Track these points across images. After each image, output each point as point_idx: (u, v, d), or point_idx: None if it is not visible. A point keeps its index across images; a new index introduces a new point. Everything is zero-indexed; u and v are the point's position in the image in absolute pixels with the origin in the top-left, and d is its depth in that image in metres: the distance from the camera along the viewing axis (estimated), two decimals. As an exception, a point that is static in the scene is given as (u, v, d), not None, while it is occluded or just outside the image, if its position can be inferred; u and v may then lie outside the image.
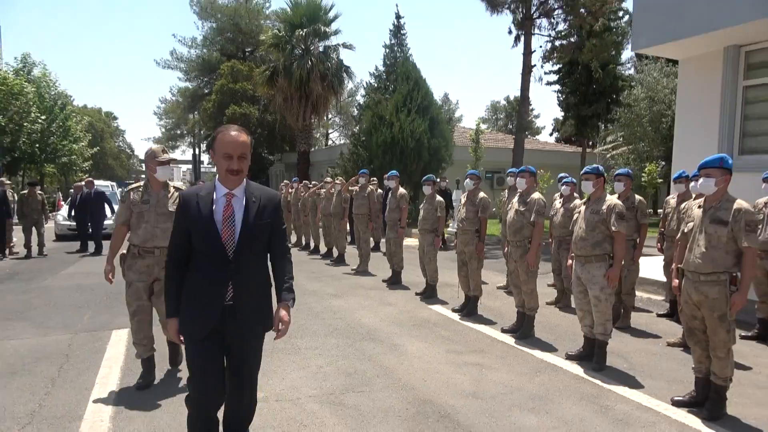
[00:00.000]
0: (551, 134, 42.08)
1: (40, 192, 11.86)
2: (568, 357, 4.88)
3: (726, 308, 3.52)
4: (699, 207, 3.80)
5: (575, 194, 6.98)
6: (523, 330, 5.59)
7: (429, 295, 7.50)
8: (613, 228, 4.51)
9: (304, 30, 23.32)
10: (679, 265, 3.89)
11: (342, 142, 36.35)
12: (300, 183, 14.00)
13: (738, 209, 3.54)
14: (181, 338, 2.56)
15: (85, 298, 7.18)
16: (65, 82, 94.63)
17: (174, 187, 4.23)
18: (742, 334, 5.62)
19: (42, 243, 11.46)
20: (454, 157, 19.10)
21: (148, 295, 4.05)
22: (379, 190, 11.47)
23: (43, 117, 23.83)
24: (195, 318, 2.51)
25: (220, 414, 2.72)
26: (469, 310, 6.53)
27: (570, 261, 4.90)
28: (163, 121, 54.29)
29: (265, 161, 32.14)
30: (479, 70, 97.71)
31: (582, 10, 14.32)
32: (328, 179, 12.35)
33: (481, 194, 6.55)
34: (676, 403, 3.83)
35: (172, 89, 50.79)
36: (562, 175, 7.24)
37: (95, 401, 3.81)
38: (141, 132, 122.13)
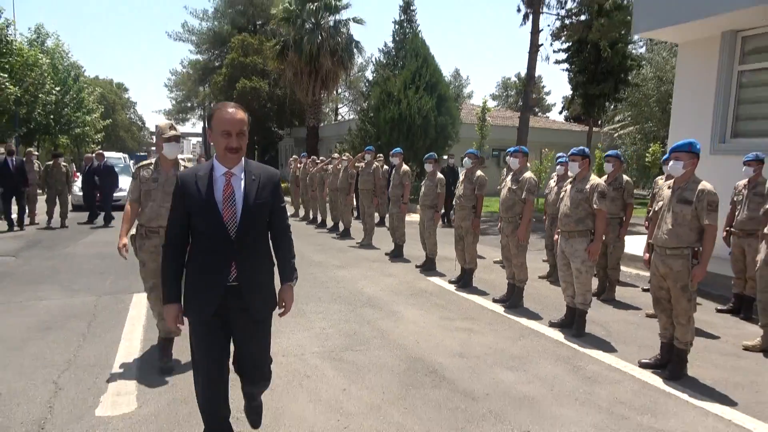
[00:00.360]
0: (560, 112, 41.88)
1: (64, 164, 12.22)
2: (551, 324, 5.31)
3: (688, 279, 3.90)
4: (668, 188, 4.14)
5: (570, 173, 7.27)
6: (513, 300, 6.01)
7: (428, 267, 7.93)
8: (595, 206, 4.86)
9: (315, 4, 23.40)
10: (649, 241, 4.27)
11: (351, 117, 36.50)
12: (308, 158, 14.36)
13: (702, 190, 3.86)
14: (178, 326, 2.54)
15: (106, 265, 7.68)
16: (77, 53, 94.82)
17: (185, 166, 4.15)
18: (719, 307, 6.02)
19: (65, 213, 11.85)
20: (461, 135, 19.35)
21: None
22: (385, 167, 11.82)
23: (57, 89, 24.22)
24: (200, 298, 2.48)
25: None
26: (464, 281, 6.95)
27: (556, 236, 5.28)
28: (174, 93, 54.49)
29: (275, 135, 32.44)
30: (490, 46, 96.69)
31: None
32: (335, 155, 12.71)
33: (479, 172, 6.90)
34: (643, 365, 4.25)
35: (183, 61, 50.84)
36: (559, 155, 7.55)
37: (122, 353, 4.29)
38: (152, 104, 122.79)
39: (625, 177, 6.54)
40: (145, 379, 3.79)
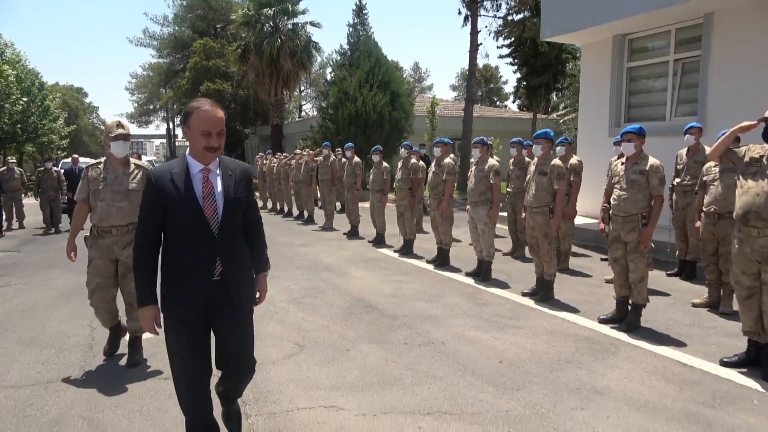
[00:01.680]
0: (513, 101, 44.01)
1: (56, 169, 12.52)
2: (467, 274, 6.86)
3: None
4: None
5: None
6: (441, 260, 7.51)
7: (378, 241, 9.42)
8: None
9: (273, 9, 24.54)
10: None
11: (314, 114, 37.71)
12: (273, 155, 15.70)
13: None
14: (156, 327, 2.49)
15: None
16: (34, 60, 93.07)
17: (135, 164, 4.14)
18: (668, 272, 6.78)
19: (58, 219, 12.17)
20: (416, 127, 20.90)
21: (112, 273, 4.06)
22: (343, 159, 13.21)
23: (24, 99, 24.81)
24: (185, 297, 2.45)
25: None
26: (405, 250, 8.47)
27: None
28: (135, 96, 54.70)
29: (240, 134, 33.47)
30: (448, 40, 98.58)
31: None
32: (297, 151, 14.09)
33: (413, 160, 8.40)
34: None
35: (143, 65, 51.20)
36: (513, 140, 8.25)
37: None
38: (115, 108, 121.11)
39: (576, 158, 7.40)
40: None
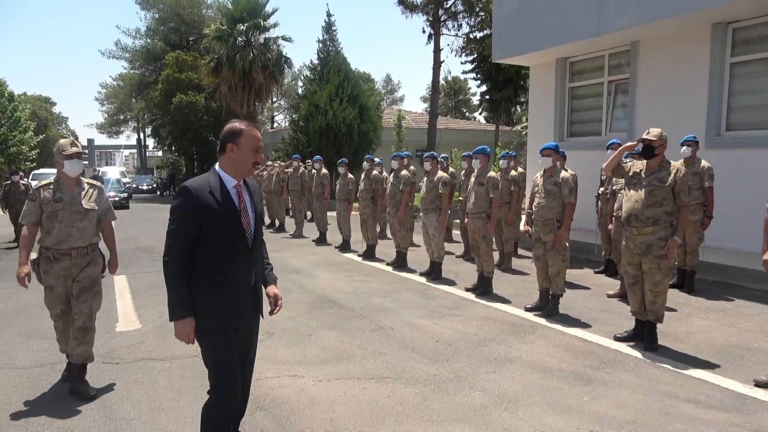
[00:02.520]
0: (480, 114, 45.52)
1: (23, 182, 12.43)
2: (420, 274, 7.67)
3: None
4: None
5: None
6: (399, 262, 8.32)
7: (344, 247, 10.18)
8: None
9: (245, 24, 25.19)
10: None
11: (287, 125, 38.35)
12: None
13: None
14: (189, 337, 2.51)
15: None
16: (1, 70, 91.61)
17: (88, 183, 4.03)
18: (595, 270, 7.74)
19: None
20: (384, 139, 21.78)
21: (70, 296, 3.90)
22: (312, 170, 13.95)
23: (-6, 111, 24.92)
24: (230, 307, 2.56)
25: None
26: (368, 254, 9.25)
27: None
28: (105, 106, 54.43)
29: (213, 146, 33.85)
30: (419, 53, 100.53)
31: (481, 13, 17.12)
32: (269, 162, 14.79)
33: (375, 172, 9.21)
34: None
35: (114, 75, 51.23)
36: (464, 154, 9.08)
37: (120, 304, 6.29)
38: (84, 118, 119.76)
39: (520, 169, 8.40)
40: (143, 312, 5.83)
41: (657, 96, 9.00)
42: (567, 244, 5.57)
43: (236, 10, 25.41)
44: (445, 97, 63.61)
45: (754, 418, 3.31)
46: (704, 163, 6.40)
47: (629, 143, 4.65)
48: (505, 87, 22.82)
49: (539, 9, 10.11)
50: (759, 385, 3.78)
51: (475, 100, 64.28)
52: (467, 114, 60.23)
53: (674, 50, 8.68)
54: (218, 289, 2.54)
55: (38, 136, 36.37)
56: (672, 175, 4.37)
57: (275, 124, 48.90)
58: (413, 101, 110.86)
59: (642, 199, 4.42)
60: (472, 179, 6.71)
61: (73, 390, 3.83)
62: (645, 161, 4.53)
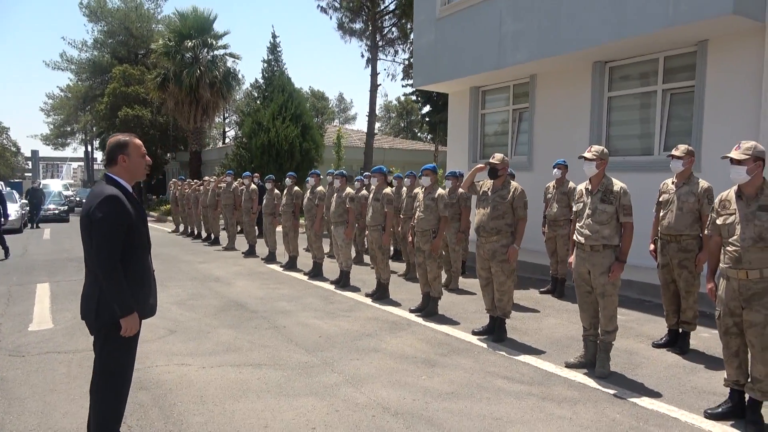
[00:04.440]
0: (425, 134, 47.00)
1: None
2: (331, 282, 8.33)
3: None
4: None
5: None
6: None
7: (269, 259, 10.76)
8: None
9: (193, 41, 25.60)
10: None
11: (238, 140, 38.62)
12: (184, 181, 16.74)
13: (439, 194, 6.09)
14: (137, 328, 2.88)
15: (9, 269, 9.74)
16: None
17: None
18: (541, 290, 7.88)
19: None
20: (326, 157, 22.48)
21: None
22: (252, 186, 14.53)
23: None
24: (152, 300, 3.03)
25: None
26: (289, 265, 9.87)
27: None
28: (51, 117, 53.19)
29: (160, 160, 33.78)
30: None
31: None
32: (206, 178, 15.24)
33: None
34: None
35: (61, 86, 50.26)
36: (408, 173, 9.65)
37: (37, 307, 6.69)
38: (27, 129, 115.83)
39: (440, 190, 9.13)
40: (59, 314, 6.27)
41: (550, 124, 10.05)
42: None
43: (184, 27, 25.80)
44: (397, 117, 65.17)
45: (548, 389, 4.12)
46: (571, 184, 7.35)
47: (479, 165, 5.50)
48: (444, 110, 23.93)
49: (452, 41, 11.09)
50: (569, 366, 4.61)
51: (427, 120, 66.18)
52: (419, 134, 61.81)
53: (564, 84, 9.76)
54: (137, 285, 2.86)
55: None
56: (511, 193, 5.22)
57: (226, 140, 48.93)
58: (365, 120, 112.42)
59: (488, 213, 5.25)
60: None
61: None
62: (491, 181, 5.37)
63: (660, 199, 5.21)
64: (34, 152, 62.52)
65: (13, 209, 17.79)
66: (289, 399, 3.93)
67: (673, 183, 5.13)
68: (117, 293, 2.75)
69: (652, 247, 5.30)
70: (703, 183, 4.97)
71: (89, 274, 2.90)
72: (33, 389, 4.13)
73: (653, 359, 4.84)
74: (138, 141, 3.03)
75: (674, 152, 5.05)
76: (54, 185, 32.63)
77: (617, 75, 9.14)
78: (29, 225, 19.72)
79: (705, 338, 5.43)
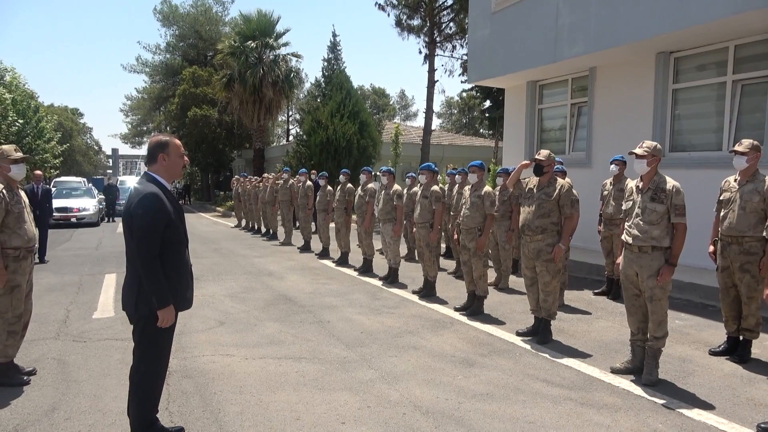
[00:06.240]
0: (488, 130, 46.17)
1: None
2: (380, 278, 8.38)
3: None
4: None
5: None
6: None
7: (322, 255, 10.95)
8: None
9: (256, 42, 26.39)
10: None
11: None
12: (246, 178, 17.32)
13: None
14: (173, 320, 3.02)
15: (84, 260, 10.43)
16: (32, 82, 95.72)
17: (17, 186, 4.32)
18: (596, 291, 7.44)
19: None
20: (384, 153, 22.60)
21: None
22: (308, 183, 14.85)
23: (20, 121, 26.39)
24: (189, 294, 3.14)
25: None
26: (341, 260, 10.00)
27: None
28: (130, 118, 56.42)
29: (226, 157, 35.13)
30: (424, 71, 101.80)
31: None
32: (265, 174, 15.70)
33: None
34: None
35: (138, 88, 53.29)
36: (451, 170, 9.79)
37: (102, 298, 7.13)
38: (108, 129, 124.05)
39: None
40: (119, 304, 6.66)
41: (610, 118, 9.64)
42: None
43: (248, 29, 26.64)
44: (459, 113, 64.47)
45: (589, 395, 3.96)
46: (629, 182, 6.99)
47: (525, 161, 5.35)
48: (504, 105, 23.46)
49: (507, 35, 10.86)
50: (614, 371, 4.42)
51: (489, 116, 65.08)
52: (481, 130, 60.89)
53: (625, 77, 9.34)
54: (180, 279, 3.03)
55: (62, 146, 38.13)
56: (557, 191, 5.05)
57: (290, 137, 50.17)
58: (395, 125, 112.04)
59: (533, 211, 5.10)
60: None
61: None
62: (537, 178, 5.22)
63: (721, 198, 4.89)
64: (114, 150, 66.57)
65: (92, 204, 19.05)
66: (323, 393, 3.99)
67: (735, 180, 4.80)
68: (155, 286, 2.89)
69: (711, 248, 4.99)
70: (770, 180, 4.61)
71: (130, 268, 3.06)
72: (89, 373, 4.41)
73: (708, 368, 4.56)
74: (177, 141, 3.14)
75: (737, 147, 4.71)
76: (131, 182, 34.57)
77: (683, 66, 8.66)
78: (106, 219, 21.00)
79: (771, 347, 5.05)
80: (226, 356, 4.82)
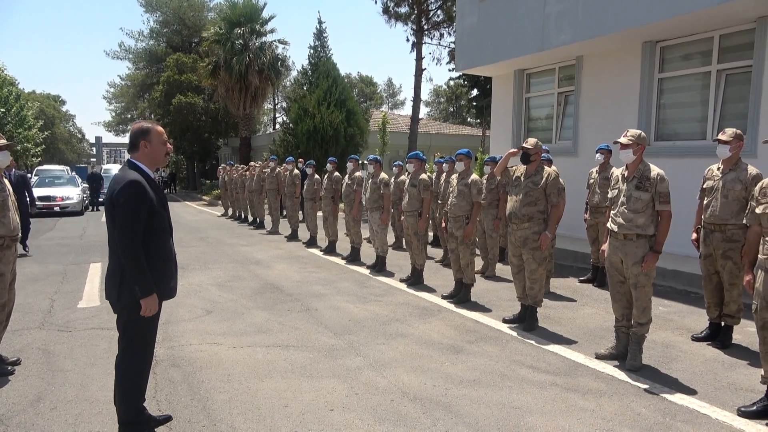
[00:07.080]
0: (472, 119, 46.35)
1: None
2: (367, 267, 8.39)
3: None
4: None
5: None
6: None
7: (310, 243, 10.93)
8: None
9: (242, 28, 26.07)
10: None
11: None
12: (233, 166, 17.17)
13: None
14: (156, 308, 2.97)
15: (68, 249, 10.31)
16: (12, 68, 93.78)
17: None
18: (581, 278, 9.13)
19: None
20: (371, 142, 22.53)
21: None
22: (295, 171, 14.76)
23: (1, 109, 25.89)
24: (173, 283, 3.13)
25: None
26: (328, 249, 9.99)
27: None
28: (113, 105, 55.60)
29: (212, 145, 34.80)
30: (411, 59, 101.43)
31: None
32: (252, 163, 15.58)
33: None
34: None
35: (121, 75, 52.49)
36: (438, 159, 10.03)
37: (87, 287, 7.07)
38: (91, 116, 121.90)
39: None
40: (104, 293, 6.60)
41: (596, 107, 9.67)
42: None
43: (234, 15, 26.31)
44: (446, 101, 64.38)
45: (574, 380, 4.02)
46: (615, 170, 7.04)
47: (512, 150, 5.37)
48: (491, 93, 23.47)
49: (495, 24, 10.82)
50: (599, 357, 4.48)
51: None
52: (468, 119, 60.93)
53: (611, 66, 9.36)
54: (164, 268, 3.01)
55: (44, 133, 37.49)
56: (544, 179, 5.08)
57: (276, 126, 49.81)
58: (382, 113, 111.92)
59: (520, 200, 5.13)
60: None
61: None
62: (524, 166, 5.24)
63: (704, 186, 4.95)
64: (98, 138, 65.66)
65: (75, 193, 18.79)
66: (311, 380, 4.00)
67: (718, 169, 4.86)
68: (138, 275, 2.86)
69: (694, 236, 5.06)
70: (752, 169, 4.68)
71: (113, 257, 3.02)
72: (75, 362, 4.38)
73: (691, 353, 4.64)
74: (160, 128, 3.10)
75: (720, 136, 4.77)
76: (115, 170, 34.12)
77: (668, 55, 8.69)
78: (90, 208, 20.74)
79: (750, 333, 5.13)
80: (214, 345, 4.81)
